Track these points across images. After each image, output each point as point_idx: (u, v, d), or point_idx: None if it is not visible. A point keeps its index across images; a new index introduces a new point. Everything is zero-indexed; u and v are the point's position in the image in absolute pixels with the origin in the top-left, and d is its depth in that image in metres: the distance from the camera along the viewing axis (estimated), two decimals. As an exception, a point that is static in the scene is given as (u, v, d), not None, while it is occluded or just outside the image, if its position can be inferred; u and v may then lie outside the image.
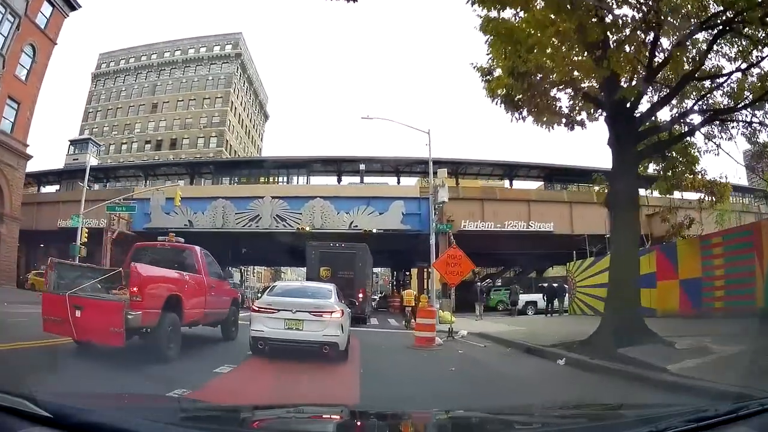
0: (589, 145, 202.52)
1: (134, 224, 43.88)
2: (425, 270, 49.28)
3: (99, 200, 41.00)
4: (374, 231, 41.23)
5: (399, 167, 48.51)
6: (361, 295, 28.30)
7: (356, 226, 42.12)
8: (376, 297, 65.42)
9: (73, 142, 66.16)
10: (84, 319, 9.56)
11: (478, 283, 38.12)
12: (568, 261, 35.89)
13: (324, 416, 4.32)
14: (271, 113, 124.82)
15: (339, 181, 48.17)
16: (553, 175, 49.63)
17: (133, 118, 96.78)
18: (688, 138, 15.70)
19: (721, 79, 14.28)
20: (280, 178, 48.83)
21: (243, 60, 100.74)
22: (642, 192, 21.73)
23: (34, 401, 2.54)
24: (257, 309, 11.87)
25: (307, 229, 41.37)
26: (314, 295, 12.71)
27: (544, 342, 15.35)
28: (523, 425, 4.01)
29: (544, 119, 14.51)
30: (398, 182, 48.63)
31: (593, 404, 5.71)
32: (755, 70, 13.71)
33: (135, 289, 9.67)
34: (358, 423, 4.20)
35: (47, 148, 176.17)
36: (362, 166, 47.19)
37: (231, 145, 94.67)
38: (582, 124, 15.37)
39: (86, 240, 38.60)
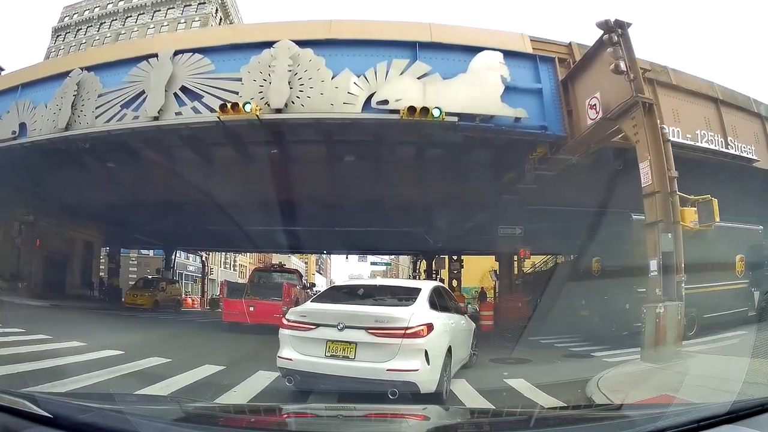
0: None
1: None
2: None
3: None
4: (436, 115, 13.79)
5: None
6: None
7: (383, 101, 14.64)
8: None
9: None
10: (256, 312, 17.37)
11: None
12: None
13: (323, 416, 4.03)
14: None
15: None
16: None
17: (89, 74, 71.11)
18: None
19: None
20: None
21: (224, 1, 76.16)
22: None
23: (34, 401, 2.42)
24: (286, 323, 7.31)
25: (247, 108, 13.95)
26: (382, 298, 7.86)
27: None
28: (523, 425, 3.53)
29: None
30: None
31: (593, 404, 5.56)
32: None
33: (286, 295, 17.57)
34: (359, 423, 3.82)
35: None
36: None
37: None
38: None
39: None
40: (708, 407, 2.96)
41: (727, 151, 18.81)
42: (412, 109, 13.54)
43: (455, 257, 33.54)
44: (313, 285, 35.00)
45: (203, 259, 54.29)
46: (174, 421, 2.82)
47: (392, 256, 56.90)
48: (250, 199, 21.68)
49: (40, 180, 22.67)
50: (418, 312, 7.10)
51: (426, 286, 8.23)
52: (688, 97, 18.38)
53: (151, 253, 54.37)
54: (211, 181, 20.59)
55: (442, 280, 37.38)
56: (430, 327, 6.87)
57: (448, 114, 13.83)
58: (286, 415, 3.77)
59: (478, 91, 14.50)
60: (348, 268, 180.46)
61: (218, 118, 14.47)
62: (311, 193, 21.27)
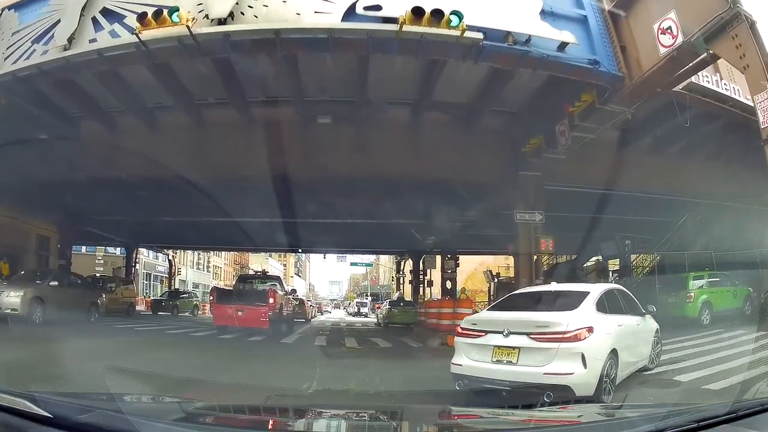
0: None
1: None
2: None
3: None
4: (454, 23, 9.33)
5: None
6: None
7: (374, 6, 10.07)
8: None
9: None
10: (244, 317, 17.32)
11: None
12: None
13: (324, 416, 3.93)
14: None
15: None
16: None
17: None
18: None
19: None
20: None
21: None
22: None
23: (34, 401, 2.36)
24: (460, 331, 7.74)
25: (175, 18, 9.64)
26: (549, 303, 8.07)
27: None
28: (524, 424, 3.61)
29: None
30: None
31: (593, 404, 5.34)
32: None
33: (271, 300, 17.58)
34: (360, 423, 3.73)
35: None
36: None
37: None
38: None
39: None
40: (708, 407, 3.00)
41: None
42: (418, 13, 8.93)
43: (448, 256, 29.14)
44: (294, 291, 33.37)
45: (170, 258, 49.67)
46: (174, 421, 2.75)
47: (375, 257, 52.64)
48: (206, 180, 17.40)
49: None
50: (579, 316, 7.09)
51: (596, 289, 8.14)
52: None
53: (117, 251, 49.41)
54: (161, 157, 16.27)
55: (431, 282, 33.21)
56: (589, 330, 6.79)
57: (470, 28, 9.40)
58: (291, 416, 3.83)
59: (508, 2, 10.15)
60: (327, 271, 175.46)
61: (137, 35, 9.98)
62: (278, 170, 17.00)
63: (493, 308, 8.59)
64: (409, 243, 30.54)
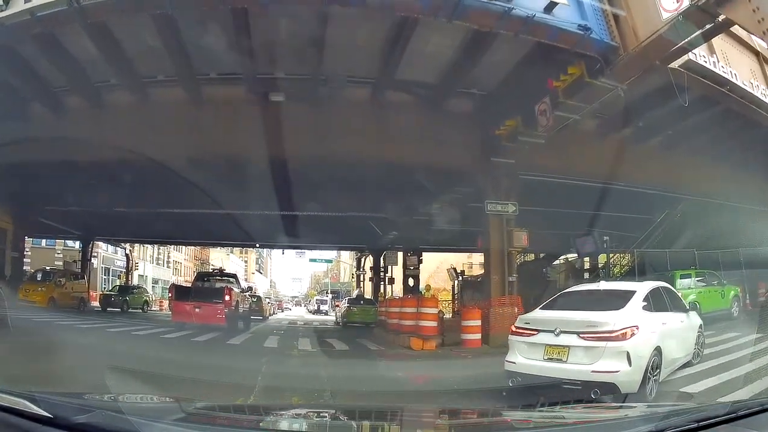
0: None
1: None
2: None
3: None
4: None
5: None
6: None
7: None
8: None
9: None
10: (201, 313, 17.75)
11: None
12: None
13: (326, 416, 3.89)
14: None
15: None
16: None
17: None
18: None
19: None
20: None
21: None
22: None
23: (34, 401, 2.30)
24: (515, 330, 7.99)
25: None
26: (598, 302, 8.05)
27: None
28: (524, 424, 3.59)
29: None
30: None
31: (593, 404, 5.43)
32: None
33: (227, 298, 18.23)
34: (361, 423, 3.69)
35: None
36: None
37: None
38: None
39: None
40: (708, 407, 2.99)
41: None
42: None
43: (410, 252, 27.89)
44: (251, 288, 34.58)
45: (127, 252, 47.72)
46: (175, 421, 2.68)
47: (335, 253, 51.27)
48: (155, 166, 15.93)
49: None
50: (625, 315, 7.32)
51: (642, 288, 8.36)
52: (733, 42, 14.52)
53: (77, 245, 47.79)
54: (110, 141, 15.24)
55: (392, 279, 31.94)
56: (635, 329, 7.02)
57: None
58: (290, 416, 3.76)
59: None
60: (289, 268, 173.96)
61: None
62: (229, 155, 16.02)
63: (545, 307, 8.67)
64: (370, 238, 29.29)
